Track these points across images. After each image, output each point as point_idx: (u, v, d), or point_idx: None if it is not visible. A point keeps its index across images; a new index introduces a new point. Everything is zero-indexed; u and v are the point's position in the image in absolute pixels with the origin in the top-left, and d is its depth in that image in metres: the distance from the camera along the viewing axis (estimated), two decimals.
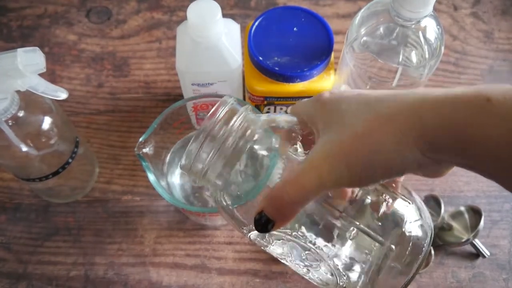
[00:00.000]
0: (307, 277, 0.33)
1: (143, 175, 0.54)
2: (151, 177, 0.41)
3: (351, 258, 0.29)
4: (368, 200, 0.30)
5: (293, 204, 0.25)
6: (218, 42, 0.45)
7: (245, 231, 0.31)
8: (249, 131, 0.29)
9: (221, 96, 0.45)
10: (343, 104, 0.26)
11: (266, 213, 0.26)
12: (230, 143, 0.28)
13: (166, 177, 0.49)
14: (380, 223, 0.29)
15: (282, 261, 0.33)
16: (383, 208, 0.29)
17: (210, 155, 0.28)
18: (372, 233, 0.28)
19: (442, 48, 0.42)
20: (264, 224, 0.26)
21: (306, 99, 0.30)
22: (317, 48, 0.47)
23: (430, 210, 0.51)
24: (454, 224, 0.50)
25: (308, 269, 0.32)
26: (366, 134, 0.24)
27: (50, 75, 0.61)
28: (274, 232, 0.29)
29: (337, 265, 0.29)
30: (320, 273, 0.31)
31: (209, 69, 0.46)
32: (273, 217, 0.26)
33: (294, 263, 0.32)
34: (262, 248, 0.33)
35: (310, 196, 0.25)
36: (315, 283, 0.33)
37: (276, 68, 0.46)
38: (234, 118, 0.29)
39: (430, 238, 0.29)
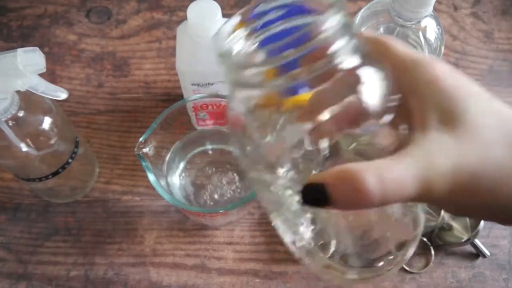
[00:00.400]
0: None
1: (143, 175, 0.54)
2: (151, 177, 0.41)
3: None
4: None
5: (372, 200, 0.19)
6: None
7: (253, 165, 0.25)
8: None
9: (221, 96, 0.46)
10: (471, 100, 0.21)
11: (329, 191, 0.19)
12: None
13: (166, 177, 0.49)
14: None
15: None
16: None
17: None
18: None
19: (442, 48, 0.42)
20: (316, 200, 0.20)
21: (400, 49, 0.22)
22: None
23: (430, 210, 0.51)
24: (454, 224, 0.50)
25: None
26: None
27: (50, 75, 0.61)
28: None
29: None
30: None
31: (209, 69, 0.46)
32: (335, 201, 0.19)
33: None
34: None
35: (398, 200, 0.19)
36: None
37: None
38: None
39: None
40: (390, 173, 0.19)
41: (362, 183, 0.19)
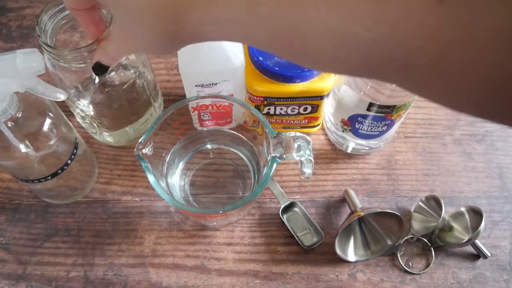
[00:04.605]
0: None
1: (142, 176, 0.54)
2: (151, 178, 0.40)
3: None
4: None
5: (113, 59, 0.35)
6: (221, 41, 0.45)
7: None
8: None
9: (220, 97, 0.45)
10: None
11: (102, 62, 0.35)
12: None
13: (166, 178, 0.48)
14: None
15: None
16: None
17: None
18: None
19: None
20: (102, 68, 0.36)
21: None
22: None
23: (430, 210, 0.51)
24: (455, 225, 0.50)
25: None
26: None
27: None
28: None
29: None
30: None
31: (213, 68, 0.46)
32: (111, 63, 0.36)
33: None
34: None
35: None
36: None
37: (276, 68, 0.46)
38: None
39: None
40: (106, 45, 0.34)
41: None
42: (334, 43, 0.21)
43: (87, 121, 0.51)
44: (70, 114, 0.58)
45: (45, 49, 0.40)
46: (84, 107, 0.48)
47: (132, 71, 0.47)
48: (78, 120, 0.53)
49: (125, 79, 0.47)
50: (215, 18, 0.26)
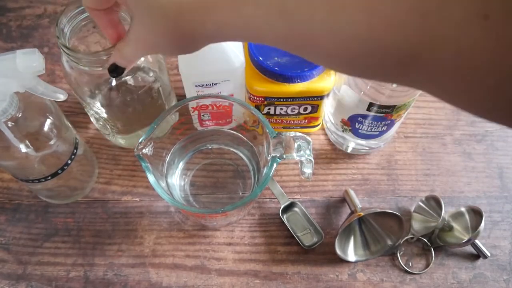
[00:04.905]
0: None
1: (142, 176, 0.54)
2: (151, 177, 0.40)
3: None
4: None
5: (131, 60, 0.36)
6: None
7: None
8: None
9: (220, 97, 0.45)
10: None
11: (118, 64, 0.35)
12: None
13: (166, 178, 0.48)
14: None
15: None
16: None
17: None
18: None
19: None
20: (118, 70, 0.36)
21: None
22: None
23: (430, 210, 0.51)
24: (455, 225, 0.50)
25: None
26: None
27: (50, 75, 0.60)
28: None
29: None
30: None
31: (213, 68, 0.46)
32: (128, 65, 0.36)
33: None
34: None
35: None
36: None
37: (276, 69, 0.46)
38: None
39: None
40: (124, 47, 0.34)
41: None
42: (378, 56, 0.22)
43: (101, 123, 0.51)
44: (70, 114, 0.58)
45: (63, 51, 0.40)
46: (99, 109, 0.48)
47: (151, 74, 0.47)
48: (92, 121, 0.53)
49: (142, 83, 0.46)
50: (242, 21, 0.26)
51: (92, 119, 0.52)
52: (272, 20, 0.25)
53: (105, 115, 0.49)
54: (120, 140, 0.55)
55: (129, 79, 0.46)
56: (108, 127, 0.51)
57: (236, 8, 0.25)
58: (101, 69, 0.42)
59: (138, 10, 0.30)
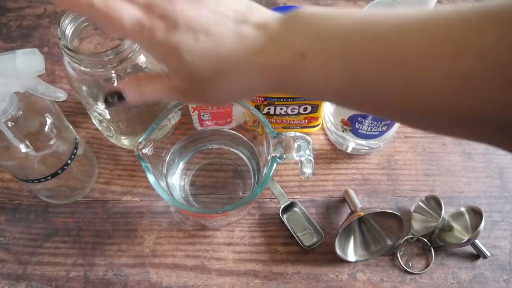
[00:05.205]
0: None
1: (142, 176, 0.54)
2: (151, 177, 0.40)
3: None
4: None
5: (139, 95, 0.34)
6: None
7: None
8: None
9: None
10: None
11: (125, 94, 0.33)
12: None
13: (166, 178, 0.48)
14: None
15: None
16: None
17: None
18: None
19: None
20: (118, 98, 0.33)
21: None
22: None
23: (430, 210, 0.51)
24: (455, 225, 0.50)
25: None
26: None
27: (50, 75, 0.60)
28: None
29: None
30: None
31: None
32: (129, 100, 0.33)
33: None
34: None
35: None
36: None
37: None
38: None
39: None
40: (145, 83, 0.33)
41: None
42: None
43: (104, 125, 0.51)
44: (70, 114, 0.58)
45: (65, 52, 0.40)
46: (102, 111, 0.48)
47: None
48: (95, 123, 0.53)
49: None
50: (314, 85, 0.28)
51: (95, 121, 0.52)
52: (342, 87, 0.27)
53: (108, 117, 0.49)
54: (124, 141, 0.55)
55: None
56: (112, 128, 0.51)
57: (307, 74, 0.27)
58: (103, 70, 0.42)
59: (170, 66, 0.30)
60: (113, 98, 0.33)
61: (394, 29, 0.24)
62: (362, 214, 0.47)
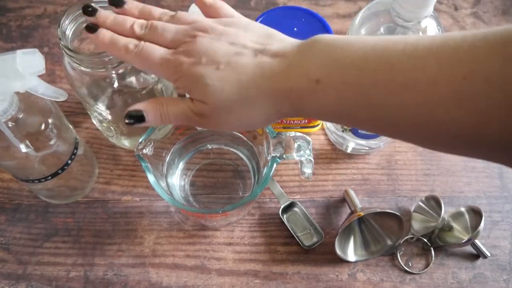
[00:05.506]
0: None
1: (142, 176, 0.54)
2: (151, 177, 0.41)
3: None
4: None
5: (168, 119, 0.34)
6: None
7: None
8: None
9: None
10: None
11: (146, 115, 0.33)
12: None
13: (166, 178, 0.49)
14: None
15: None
16: None
17: None
18: None
19: None
20: (138, 119, 0.34)
21: None
22: None
23: (430, 210, 0.51)
24: (455, 225, 0.50)
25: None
26: None
27: (50, 75, 0.60)
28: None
29: None
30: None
31: None
32: (149, 122, 0.34)
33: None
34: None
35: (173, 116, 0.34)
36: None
37: None
38: None
39: None
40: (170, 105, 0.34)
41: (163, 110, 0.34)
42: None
43: (105, 125, 0.51)
44: (70, 114, 0.58)
45: (66, 52, 0.40)
46: (102, 111, 0.48)
47: (152, 76, 0.47)
48: (95, 123, 0.53)
49: (144, 84, 0.46)
50: (327, 109, 0.30)
51: (95, 121, 0.52)
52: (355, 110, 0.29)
53: (109, 117, 0.49)
54: (125, 142, 0.55)
55: (131, 80, 0.46)
56: (112, 129, 0.51)
57: (322, 98, 0.29)
58: (103, 70, 0.42)
59: (195, 93, 0.32)
60: (133, 118, 0.33)
61: (403, 54, 0.26)
62: (362, 214, 0.47)
